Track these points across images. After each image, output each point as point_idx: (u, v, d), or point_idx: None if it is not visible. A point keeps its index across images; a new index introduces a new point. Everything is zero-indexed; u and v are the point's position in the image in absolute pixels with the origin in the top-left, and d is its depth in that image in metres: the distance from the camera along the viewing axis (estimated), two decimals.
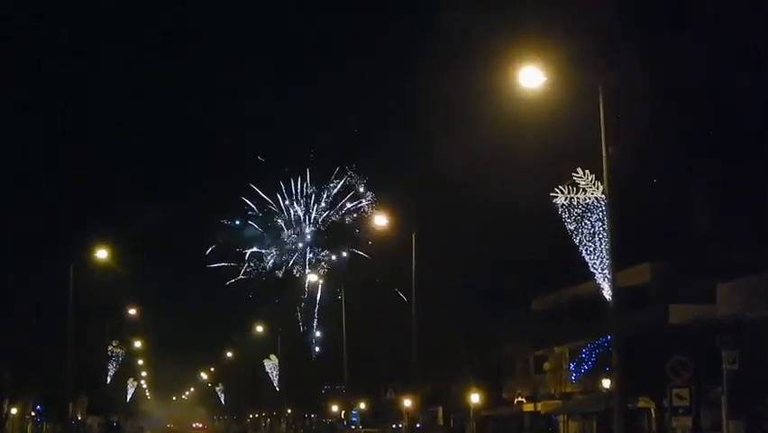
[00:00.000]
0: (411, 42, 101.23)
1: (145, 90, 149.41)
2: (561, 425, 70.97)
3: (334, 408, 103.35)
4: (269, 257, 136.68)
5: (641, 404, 52.08)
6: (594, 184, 33.42)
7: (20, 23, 50.57)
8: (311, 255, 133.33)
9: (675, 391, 27.75)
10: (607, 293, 31.74)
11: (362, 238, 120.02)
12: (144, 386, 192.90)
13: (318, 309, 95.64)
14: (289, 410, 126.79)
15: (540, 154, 51.24)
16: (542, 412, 71.29)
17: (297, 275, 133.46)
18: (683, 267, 57.09)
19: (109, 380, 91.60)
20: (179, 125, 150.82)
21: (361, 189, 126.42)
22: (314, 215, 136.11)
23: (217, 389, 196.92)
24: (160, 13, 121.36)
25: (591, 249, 33.83)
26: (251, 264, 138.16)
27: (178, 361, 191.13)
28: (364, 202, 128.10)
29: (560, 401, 68.19)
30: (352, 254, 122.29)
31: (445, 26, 69.11)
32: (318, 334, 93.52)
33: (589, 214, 34.16)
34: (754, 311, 43.70)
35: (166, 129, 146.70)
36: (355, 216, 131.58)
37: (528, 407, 72.76)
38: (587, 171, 33.42)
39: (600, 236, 33.31)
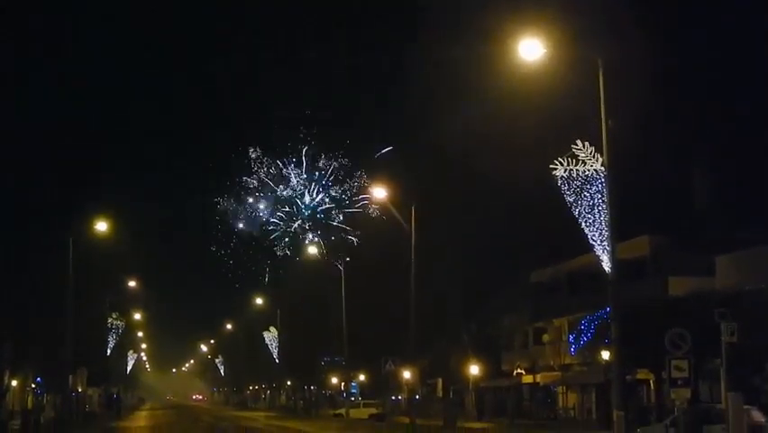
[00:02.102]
0: (410, 16, 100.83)
1: (145, 90, 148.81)
2: (560, 396, 71.32)
3: (334, 380, 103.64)
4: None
5: (640, 376, 52.32)
6: (594, 156, 33.26)
7: (19, 23, 50.25)
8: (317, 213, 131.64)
9: (674, 362, 27.77)
10: (606, 265, 31.63)
11: (361, 211, 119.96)
12: (144, 358, 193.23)
13: (319, 280, 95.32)
14: (289, 382, 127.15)
15: (539, 127, 51.17)
16: (541, 384, 71.66)
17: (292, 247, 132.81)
18: (682, 240, 57.25)
19: (109, 352, 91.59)
20: (179, 125, 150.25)
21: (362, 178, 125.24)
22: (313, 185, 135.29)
23: (217, 361, 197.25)
24: (160, 12, 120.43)
25: (591, 221, 33.67)
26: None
27: (177, 333, 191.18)
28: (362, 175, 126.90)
29: (559, 373, 68.48)
30: (349, 227, 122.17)
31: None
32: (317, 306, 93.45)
33: (588, 186, 33.98)
34: (753, 284, 43.87)
35: (166, 128, 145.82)
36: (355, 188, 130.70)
37: (527, 378, 73.12)
38: (586, 143, 33.24)
39: (600, 209, 33.14)
